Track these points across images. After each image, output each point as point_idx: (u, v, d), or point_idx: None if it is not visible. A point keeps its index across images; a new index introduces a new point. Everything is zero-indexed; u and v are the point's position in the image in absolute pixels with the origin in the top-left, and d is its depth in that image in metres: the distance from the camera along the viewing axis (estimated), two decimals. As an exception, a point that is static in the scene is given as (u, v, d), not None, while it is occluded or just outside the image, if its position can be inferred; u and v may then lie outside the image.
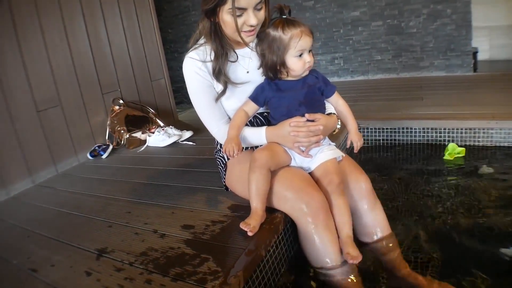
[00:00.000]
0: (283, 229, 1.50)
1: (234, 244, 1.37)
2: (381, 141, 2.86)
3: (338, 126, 1.58)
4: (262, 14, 1.39)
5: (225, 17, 1.36)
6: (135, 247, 1.48)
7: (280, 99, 1.48)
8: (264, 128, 1.51)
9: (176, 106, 4.05)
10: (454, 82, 3.95)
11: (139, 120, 3.17)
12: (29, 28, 2.59)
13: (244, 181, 1.46)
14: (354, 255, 1.32)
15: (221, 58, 1.48)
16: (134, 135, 3.03)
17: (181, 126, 3.17)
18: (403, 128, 2.79)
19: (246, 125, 1.56)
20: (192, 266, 1.29)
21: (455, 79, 4.18)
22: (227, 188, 1.79)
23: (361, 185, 1.52)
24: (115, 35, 3.30)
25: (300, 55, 1.41)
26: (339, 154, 1.54)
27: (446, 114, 2.75)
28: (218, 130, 1.60)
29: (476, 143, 2.57)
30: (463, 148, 2.47)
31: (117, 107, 3.13)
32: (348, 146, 1.59)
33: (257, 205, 1.42)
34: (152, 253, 1.42)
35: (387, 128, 2.83)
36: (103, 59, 3.17)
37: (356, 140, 1.57)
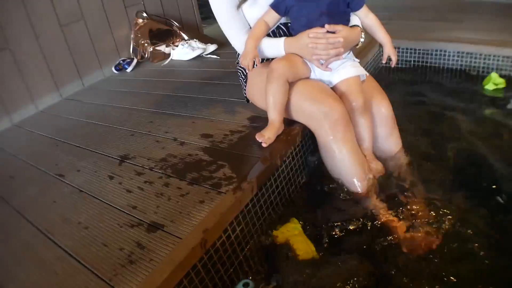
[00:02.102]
0: (300, 141, 1.50)
1: (251, 153, 1.39)
2: (412, 62, 2.71)
3: (362, 40, 1.47)
4: None
5: None
6: (155, 153, 1.53)
7: (301, 8, 1.38)
8: (282, 39, 1.44)
9: (202, 21, 3.95)
10: (500, 9, 3.64)
11: (163, 34, 3.12)
12: None
13: (264, 93, 1.43)
14: (378, 168, 1.35)
15: None
16: (158, 48, 3.00)
17: (205, 40, 3.10)
18: (436, 51, 2.62)
19: (269, 35, 1.50)
20: (208, 171, 1.32)
21: (501, 5, 3.86)
22: (248, 100, 1.77)
23: (381, 110, 1.49)
24: None
25: None
26: (363, 72, 1.48)
27: (484, 40, 2.55)
28: (238, 40, 1.53)
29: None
30: (503, 80, 2.29)
31: (140, 20, 3.07)
32: (384, 61, 1.49)
33: (274, 117, 1.41)
34: (171, 159, 1.46)
35: (419, 49, 2.66)
36: (125, -30, 3.07)
37: (393, 53, 1.47)
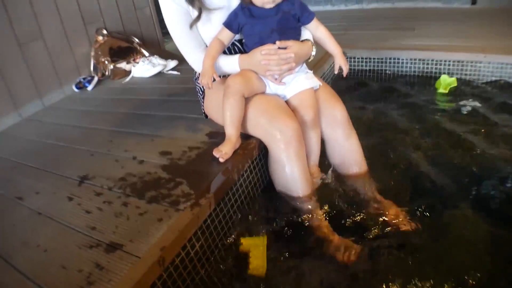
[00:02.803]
0: (257, 154, 1.55)
1: (209, 169, 1.42)
2: (367, 71, 2.83)
3: (313, 53, 1.53)
4: None
5: None
6: (114, 173, 1.54)
7: (252, 26, 1.44)
8: (237, 56, 1.49)
9: (164, 36, 3.97)
10: (449, 14, 3.82)
11: (123, 51, 3.13)
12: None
13: (221, 108, 1.47)
14: (319, 177, 1.47)
15: None
16: (119, 65, 3.01)
17: (167, 55, 3.13)
18: (390, 58, 2.74)
19: (224, 52, 1.54)
20: (167, 189, 1.35)
21: (451, 11, 4.04)
22: (206, 116, 1.81)
23: (336, 113, 1.54)
24: (94, -39, 3.16)
25: None
26: (316, 83, 1.54)
27: (435, 46, 2.68)
28: (194, 59, 1.57)
29: (463, 76, 2.52)
30: (454, 78, 2.41)
31: (100, 38, 3.07)
32: (336, 71, 1.54)
33: (231, 132, 1.46)
34: (130, 178, 1.48)
35: (374, 58, 2.79)
36: (84, -12, 3.06)
37: (343, 63, 1.52)
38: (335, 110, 1.54)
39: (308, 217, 1.41)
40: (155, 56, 3.02)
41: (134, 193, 1.37)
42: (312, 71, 1.60)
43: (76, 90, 2.88)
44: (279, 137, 1.39)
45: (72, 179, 1.57)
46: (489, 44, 2.56)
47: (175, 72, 2.86)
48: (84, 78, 2.93)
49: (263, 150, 1.56)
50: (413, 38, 2.95)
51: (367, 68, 2.83)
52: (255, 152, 1.53)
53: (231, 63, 1.50)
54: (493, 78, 2.45)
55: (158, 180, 1.42)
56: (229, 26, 1.46)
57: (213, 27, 1.50)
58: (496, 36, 2.76)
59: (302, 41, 1.50)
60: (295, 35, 1.49)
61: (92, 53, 3.02)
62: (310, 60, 1.56)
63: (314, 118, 1.47)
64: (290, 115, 1.43)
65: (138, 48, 3.18)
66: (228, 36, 1.49)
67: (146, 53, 3.13)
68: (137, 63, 2.96)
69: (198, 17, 1.46)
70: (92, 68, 3.04)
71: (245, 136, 1.54)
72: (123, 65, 3.01)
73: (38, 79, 2.69)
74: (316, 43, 1.55)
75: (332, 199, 1.50)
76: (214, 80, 1.44)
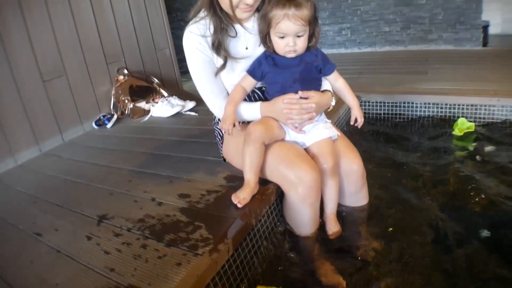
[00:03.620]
0: (275, 200, 1.56)
1: (227, 214, 1.44)
2: (382, 115, 2.87)
3: (333, 104, 1.58)
4: None
5: None
6: (133, 214, 1.56)
7: (275, 75, 1.49)
8: (259, 104, 1.54)
9: (182, 76, 4.08)
10: (462, 57, 3.91)
11: (143, 90, 3.22)
12: (33, -1, 2.62)
13: (240, 153, 1.51)
14: (335, 232, 1.50)
15: (221, 32, 1.47)
16: (138, 105, 3.08)
17: (185, 96, 3.20)
18: (404, 103, 2.79)
19: (244, 99, 1.59)
20: (185, 233, 1.36)
21: (463, 53, 4.13)
22: (224, 159, 1.84)
23: (353, 168, 1.57)
24: (118, 3, 3.30)
25: (283, 37, 1.40)
26: (334, 133, 1.58)
27: (448, 90, 2.73)
28: (216, 105, 1.61)
29: (478, 120, 2.55)
30: (473, 123, 2.43)
31: (121, 77, 3.17)
32: (352, 122, 1.59)
33: (250, 178, 1.48)
34: (149, 220, 1.49)
35: (388, 102, 2.83)
36: (107, 29, 3.19)
37: (360, 115, 1.57)
38: (353, 164, 1.57)
39: (315, 258, 1.45)
40: (174, 96, 3.09)
41: (153, 235, 1.38)
42: (330, 121, 1.63)
43: (95, 127, 2.95)
44: (298, 185, 1.41)
45: (91, 218, 1.59)
46: (501, 87, 2.62)
47: (193, 113, 2.92)
48: (104, 116, 3.00)
49: (280, 195, 1.58)
50: (426, 82, 3.01)
51: (382, 111, 2.88)
52: (272, 198, 1.54)
53: (252, 110, 1.54)
54: (507, 121, 2.48)
55: (177, 223, 1.43)
56: (252, 73, 1.51)
57: (236, 75, 1.55)
58: (509, 79, 2.82)
59: (322, 91, 1.55)
60: (316, 86, 1.54)
61: (113, 92, 3.11)
62: (329, 110, 1.60)
63: (333, 166, 1.49)
64: (310, 163, 1.45)
65: (158, 88, 3.26)
66: (250, 84, 1.53)
67: (165, 94, 3.21)
68: (156, 103, 3.03)
69: (223, 66, 1.52)
70: (112, 106, 3.12)
71: (263, 181, 1.56)
72: (142, 104, 3.09)
73: (59, 115, 2.77)
74: (334, 94, 1.60)
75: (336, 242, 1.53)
76: (235, 126, 1.47)
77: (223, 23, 1.46)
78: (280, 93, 1.49)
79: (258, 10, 1.47)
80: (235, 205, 1.44)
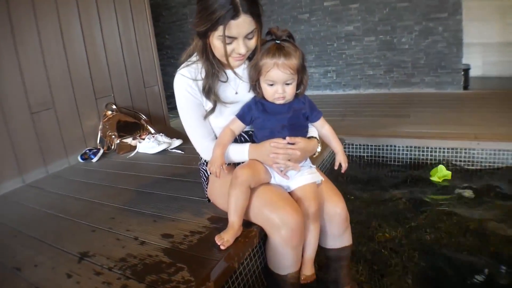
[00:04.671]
0: (258, 242, 1.57)
1: (210, 256, 1.44)
2: (365, 157, 2.94)
3: (318, 150, 1.62)
4: (253, 42, 1.43)
5: (215, 42, 1.40)
6: (115, 252, 1.55)
7: (264, 121, 1.53)
8: (247, 146, 1.57)
9: (169, 112, 4.12)
10: (443, 100, 4.04)
11: (130, 126, 3.24)
12: (26, 30, 2.66)
13: (224, 195, 1.53)
14: (308, 276, 1.52)
15: (212, 77, 1.52)
16: (124, 140, 3.10)
17: (172, 133, 3.23)
18: (387, 146, 2.86)
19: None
20: (167, 274, 1.36)
21: (444, 96, 4.28)
22: (209, 200, 1.86)
23: (336, 211, 1.59)
24: (110, 40, 3.38)
25: (272, 84, 1.46)
26: (318, 178, 1.61)
27: (430, 133, 2.82)
28: (203, 147, 1.63)
29: (459, 163, 2.63)
30: (450, 172, 2.51)
31: (109, 112, 3.20)
32: (336, 167, 1.64)
33: (234, 220, 1.49)
34: (131, 259, 1.48)
35: (371, 145, 2.91)
36: (98, 64, 3.24)
37: (344, 160, 1.62)
38: (336, 207, 1.59)
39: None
40: (161, 134, 3.12)
41: (134, 276, 1.37)
42: (315, 166, 1.67)
43: (81, 160, 2.95)
44: (281, 228, 1.42)
45: (72, 254, 1.58)
46: (481, 130, 2.72)
47: (179, 151, 2.94)
48: (90, 150, 3.01)
49: (263, 238, 1.59)
50: (408, 125, 3.10)
51: (365, 154, 2.95)
52: (255, 240, 1.55)
53: (240, 152, 1.57)
54: (487, 165, 2.56)
55: (159, 264, 1.43)
56: (242, 118, 1.55)
57: (223, 118, 1.59)
58: (489, 123, 2.93)
59: (309, 137, 1.60)
60: (303, 132, 1.59)
61: (100, 126, 3.13)
62: (315, 156, 1.64)
63: (316, 211, 1.51)
64: (294, 206, 1.47)
65: (145, 125, 3.29)
66: (239, 127, 1.57)
67: (152, 130, 3.24)
68: (143, 139, 3.05)
69: (213, 110, 1.56)
70: (98, 141, 3.14)
71: (246, 224, 1.57)
72: (129, 140, 3.10)
73: (45, 147, 2.77)
74: (320, 139, 1.65)
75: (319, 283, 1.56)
76: (222, 168, 1.50)
77: (215, 69, 1.51)
78: (268, 137, 1.52)
79: (249, 58, 1.52)
80: (218, 247, 1.45)
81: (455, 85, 4.59)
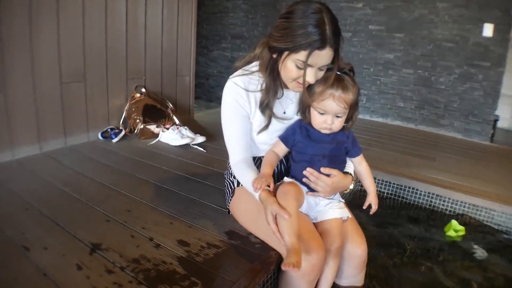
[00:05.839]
0: (273, 269, 1.51)
1: (225, 275, 1.39)
2: (385, 194, 2.86)
3: (351, 187, 1.58)
4: (322, 74, 1.39)
5: (289, 63, 1.36)
6: (129, 251, 1.50)
7: (306, 146, 1.50)
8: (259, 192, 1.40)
9: (195, 101, 4.07)
10: (469, 149, 3.96)
11: (156, 113, 3.19)
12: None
13: (248, 211, 1.50)
14: None
15: (272, 94, 1.48)
16: (148, 126, 3.05)
17: (195, 127, 3.18)
18: (409, 188, 2.79)
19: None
20: (180, 287, 1.31)
21: (470, 145, 4.19)
22: (229, 211, 1.80)
23: (357, 253, 1.55)
24: (152, 23, 3.34)
25: (322, 114, 1.43)
26: (345, 214, 1.56)
27: (454, 184, 2.75)
28: (238, 160, 1.55)
29: (477, 220, 2.56)
30: (463, 228, 2.43)
31: (138, 95, 3.15)
32: (365, 207, 1.61)
33: (293, 241, 1.30)
34: (144, 262, 1.43)
35: (394, 183, 2.84)
36: (136, 45, 3.21)
37: (374, 202, 1.58)
38: (358, 249, 1.55)
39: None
40: (186, 127, 3.07)
41: (147, 282, 1.32)
42: (344, 200, 1.62)
43: (101, 138, 2.91)
44: (302, 262, 1.35)
45: (84, 243, 1.53)
46: (504, 192, 2.65)
47: (200, 149, 2.88)
48: (111, 129, 2.97)
49: (278, 265, 1.53)
50: (433, 169, 3.02)
51: (385, 190, 2.87)
52: (272, 267, 1.50)
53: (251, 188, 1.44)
54: (505, 228, 2.49)
55: (173, 273, 1.37)
56: (285, 140, 1.52)
57: (267, 133, 1.55)
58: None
59: (344, 172, 1.55)
60: (341, 166, 1.56)
61: (126, 107, 3.08)
62: (346, 192, 1.59)
63: (339, 247, 1.47)
64: (319, 242, 1.41)
65: (171, 114, 3.24)
66: (282, 150, 1.55)
67: (177, 121, 3.18)
68: (167, 129, 3.00)
69: (267, 126, 1.53)
70: (121, 121, 3.09)
71: (266, 248, 1.53)
72: (152, 127, 3.05)
73: (68, 118, 2.74)
74: (355, 176, 1.61)
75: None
76: (269, 186, 1.39)
77: (276, 86, 1.48)
78: (307, 163, 1.49)
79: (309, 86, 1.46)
80: (234, 267, 1.41)
81: (483, 135, 4.49)
